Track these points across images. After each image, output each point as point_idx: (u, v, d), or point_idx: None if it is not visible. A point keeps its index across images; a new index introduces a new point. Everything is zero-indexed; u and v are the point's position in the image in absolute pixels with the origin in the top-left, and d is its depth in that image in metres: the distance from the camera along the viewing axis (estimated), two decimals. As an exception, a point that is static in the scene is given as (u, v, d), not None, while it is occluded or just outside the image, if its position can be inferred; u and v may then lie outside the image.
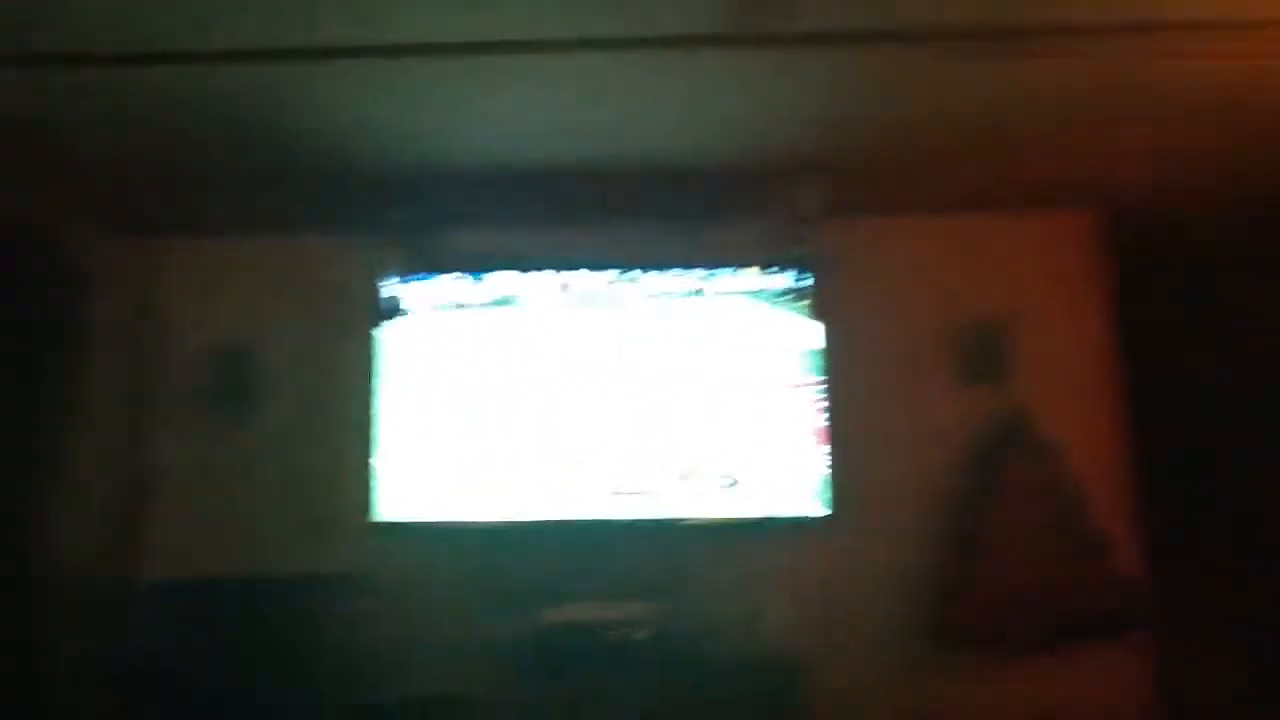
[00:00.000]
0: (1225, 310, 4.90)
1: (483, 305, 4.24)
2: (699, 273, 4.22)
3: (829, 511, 4.03)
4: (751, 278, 4.20)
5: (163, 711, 3.73)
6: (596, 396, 4.16)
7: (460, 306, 4.24)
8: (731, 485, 4.06)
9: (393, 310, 4.15)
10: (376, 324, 4.18)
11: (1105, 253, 4.48)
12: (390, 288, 4.16)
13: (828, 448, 4.06)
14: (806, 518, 4.05)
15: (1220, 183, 4.18)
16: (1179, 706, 4.13)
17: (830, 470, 4.05)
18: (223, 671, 3.80)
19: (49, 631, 3.78)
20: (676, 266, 4.22)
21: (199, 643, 3.90)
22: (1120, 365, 4.41)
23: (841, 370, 4.16)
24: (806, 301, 4.12)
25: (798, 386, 4.12)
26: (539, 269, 4.25)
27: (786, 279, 4.14)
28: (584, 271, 4.24)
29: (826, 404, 4.09)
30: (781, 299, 4.17)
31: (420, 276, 4.21)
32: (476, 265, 4.26)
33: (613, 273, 4.23)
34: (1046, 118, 3.65)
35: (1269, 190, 4.21)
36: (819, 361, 4.12)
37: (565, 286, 4.24)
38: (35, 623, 3.73)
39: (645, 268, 4.23)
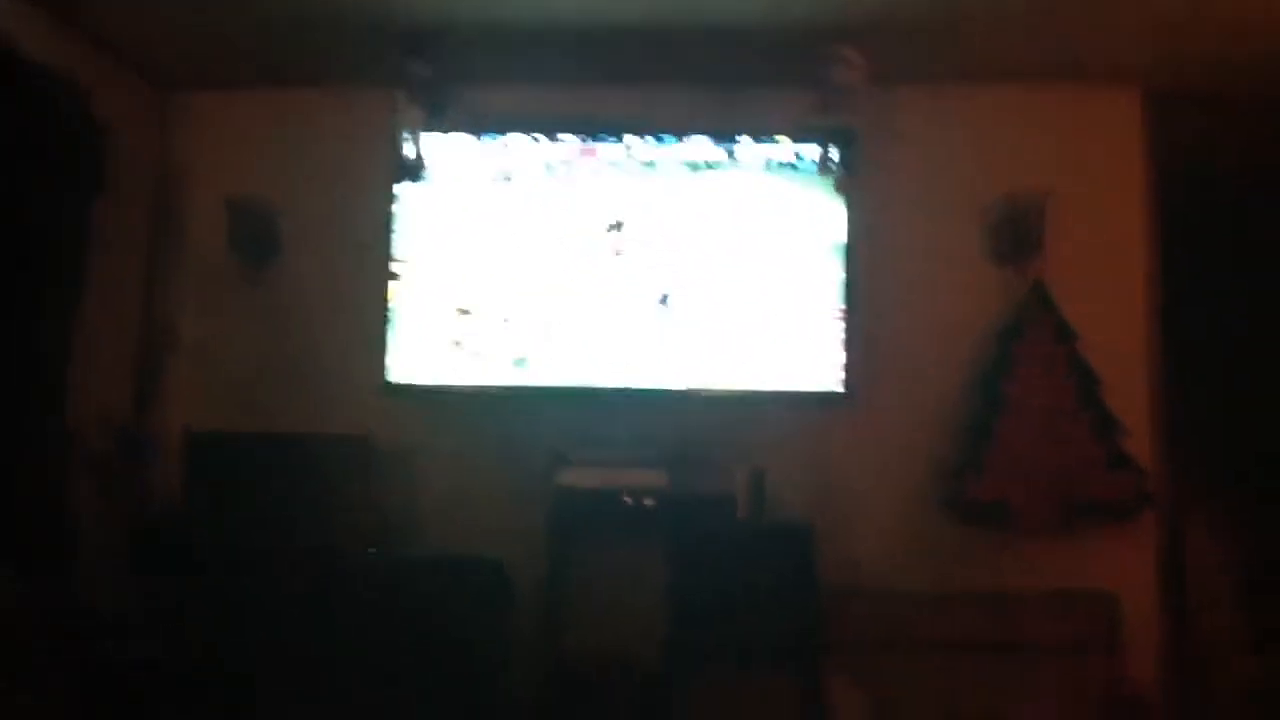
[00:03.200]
0: (1264, 204, 4.80)
1: (505, 168, 4.17)
2: (728, 141, 4.14)
3: (846, 386, 4.04)
4: (781, 147, 4.13)
5: (177, 560, 3.79)
6: (619, 262, 4.13)
7: (482, 168, 4.18)
8: (751, 356, 4.06)
9: (414, 169, 4.06)
10: (397, 182, 4.11)
11: (1146, 132, 4.36)
12: (412, 145, 4.05)
13: (848, 322, 4.05)
14: (824, 391, 4.06)
15: (1266, 61, 4.05)
16: (1183, 589, 4.20)
17: (849, 345, 4.04)
18: (237, 524, 3.88)
19: (69, 482, 3.81)
20: (705, 134, 4.14)
21: (214, 496, 3.98)
22: (1150, 250, 4.35)
23: (866, 244, 4.12)
24: (835, 174, 4.05)
25: (822, 260, 4.09)
26: (565, 132, 4.16)
27: (816, 150, 4.06)
28: (611, 137, 4.16)
29: (850, 279, 4.06)
30: (810, 171, 4.10)
31: (444, 135, 4.12)
32: (500, 126, 4.17)
33: (640, 138, 4.15)
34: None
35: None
36: (844, 235, 4.08)
37: (591, 152, 4.17)
38: (54, 474, 3.75)
39: (673, 134, 4.15)
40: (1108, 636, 4.00)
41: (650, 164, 4.16)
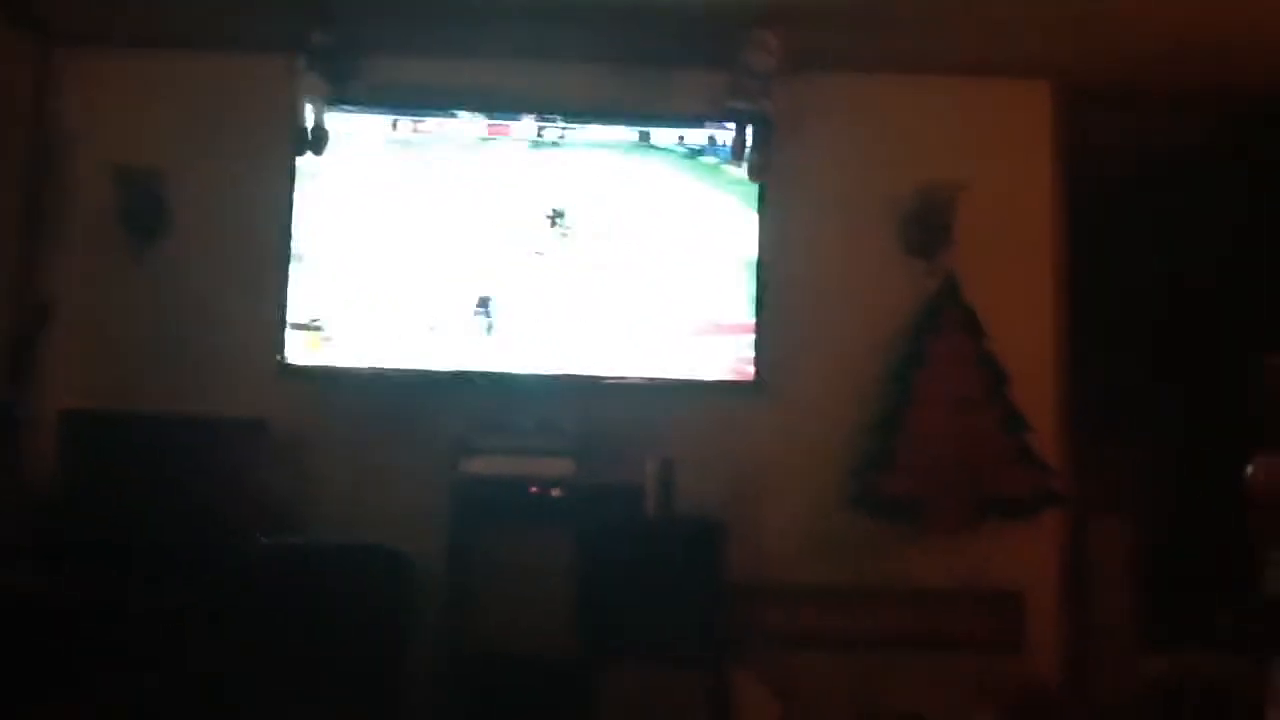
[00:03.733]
0: (1171, 196, 4.86)
1: (407, 141, 4.03)
2: (641, 123, 4.06)
3: (758, 376, 3.98)
4: (695, 131, 4.05)
5: (60, 541, 3.64)
6: (526, 246, 4.01)
7: (383, 141, 4.02)
8: (661, 345, 3.98)
9: (315, 141, 3.87)
10: (295, 154, 3.91)
11: (1056, 126, 4.39)
12: (311, 115, 3.85)
13: (760, 312, 3.99)
14: (736, 382, 3.99)
15: (1178, 60, 4.09)
16: (1086, 586, 4.23)
17: (761, 334, 3.98)
18: (123, 505, 3.72)
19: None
20: (618, 115, 4.06)
21: (98, 475, 3.80)
22: (1059, 242, 4.37)
23: (780, 232, 4.06)
24: (749, 160, 3.97)
25: (735, 248, 4.02)
26: (471, 110, 4.04)
27: (730, 135, 3.98)
28: (521, 115, 4.04)
29: (762, 266, 4.00)
30: (724, 156, 4.02)
31: (344, 106, 3.94)
32: (403, 100, 4.04)
33: (550, 118, 4.04)
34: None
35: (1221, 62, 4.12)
36: (757, 223, 4.02)
37: (501, 130, 4.04)
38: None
39: (585, 114, 4.05)
40: (1014, 634, 4.03)
41: (559, 144, 4.05)
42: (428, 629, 3.70)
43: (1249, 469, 3.36)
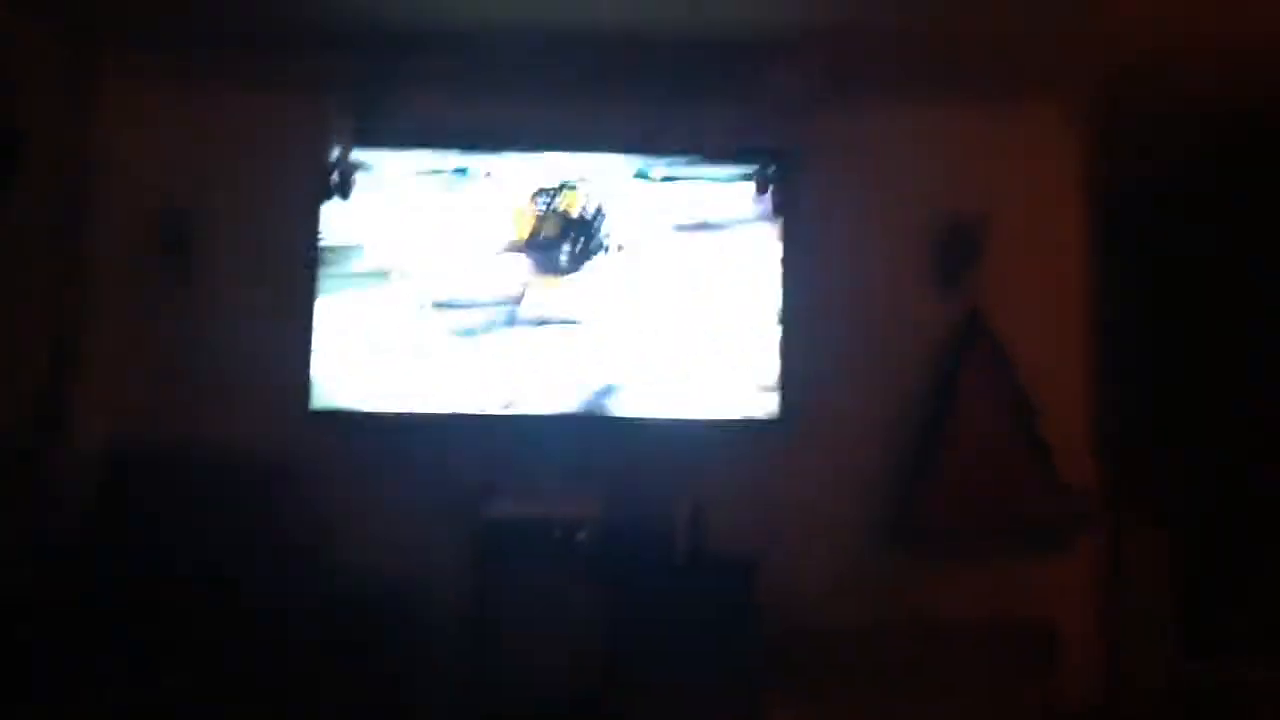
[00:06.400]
0: (1203, 225, 4.79)
1: (438, 182, 4.01)
2: (665, 157, 4.03)
3: (783, 413, 3.95)
4: (720, 166, 4.02)
5: (87, 580, 3.60)
6: (550, 286, 3.99)
7: (414, 180, 4.00)
8: (686, 383, 3.96)
9: (346, 180, 3.89)
10: (328, 194, 3.93)
11: (1086, 153, 4.33)
12: (343, 156, 3.88)
13: (785, 347, 3.97)
14: (761, 419, 3.97)
15: (1210, 82, 4.04)
16: (1122, 613, 4.19)
17: (786, 370, 3.96)
18: (153, 546, 3.68)
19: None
20: (642, 150, 4.03)
21: (129, 515, 3.78)
22: (1087, 271, 4.31)
23: (804, 266, 4.03)
24: (772, 193, 3.96)
25: (759, 282, 3.99)
26: (499, 148, 4.02)
27: (754, 168, 3.95)
28: (545, 153, 4.02)
29: (786, 302, 3.98)
30: (748, 189, 3.99)
31: (375, 146, 3.96)
32: (433, 139, 4.02)
33: (573, 154, 4.02)
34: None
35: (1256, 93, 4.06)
36: (781, 256, 3.99)
37: (523, 168, 4.02)
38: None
39: (608, 149, 4.04)
40: (1048, 663, 3.98)
41: (585, 180, 4.02)
42: (450, 671, 3.70)
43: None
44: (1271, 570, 4.36)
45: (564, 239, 4.00)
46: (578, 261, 4.00)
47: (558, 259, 4.00)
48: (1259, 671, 3.71)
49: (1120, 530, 4.30)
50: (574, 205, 4.01)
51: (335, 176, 3.88)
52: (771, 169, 3.93)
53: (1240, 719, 3.62)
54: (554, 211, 4.00)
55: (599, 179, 4.02)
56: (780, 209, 3.95)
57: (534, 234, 4.00)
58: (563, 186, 4.00)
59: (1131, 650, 4.21)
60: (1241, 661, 3.84)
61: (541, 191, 4.01)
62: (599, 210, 4.00)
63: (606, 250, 3.99)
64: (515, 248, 4.00)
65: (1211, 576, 4.60)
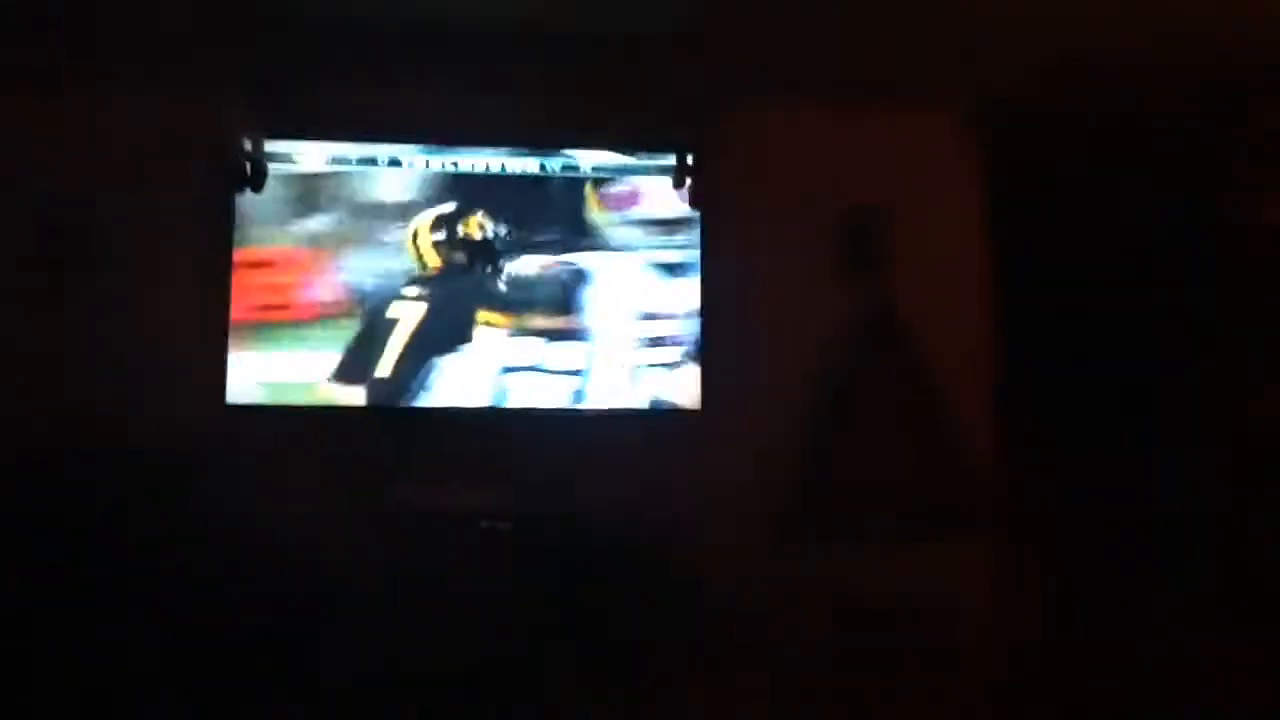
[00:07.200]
0: (1095, 211, 4.97)
1: (344, 172, 4.02)
2: (571, 152, 4.08)
3: (702, 402, 4.04)
4: (628, 159, 4.09)
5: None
6: (461, 278, 4.03)
7: (321, 171, 4.01)
8: (600, 376, 4.02)
9: (252, 175, 3.86)
10: (235, 187, 3.91)
11: (980, 147, 4.46)
12: (250, 147, 3.86)
13: (702, 338, 4.05)
14: (676, 409, 4.04)
15: (1097, 82, 4.19)
16: (1010, 602, 4.34)
17: (702, 362, 4.04)
18: (67, 544, 3.66)
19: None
20: (548, 144, 4.08)
21: (41, 516, 3.71)
22: (988, 261, 4.45)
23: (716, 259, 4.12)
24: (683, 187, 4.04)
25: (667, 275, 4.07)
26: (402, 140, 4.04)
27: (664, 162, 4.03)
28: (450, 148, 4.05)
29: (703, 293, 4.06)
30: (658, 184, 4.06)
31: (280, 138, 3.95)
32: (338, 130, 4.03)
33: (481, 148, 4.06)
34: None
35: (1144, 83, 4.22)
36: (693, 249, 4.08)
37: (429, 161, 4.05)
38: None
39: (514, 143, 4.07)
40: (949, 646, 4.12)
41: (493, 172, 4.05)
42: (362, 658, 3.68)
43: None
44: (1149, 558, 4.55)
45: (474, 264, 4.04)
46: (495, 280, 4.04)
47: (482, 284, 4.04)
48: (1128, 649, 3.87)
49: (1017, 518, 4.43)
50: (474, 230, 4.03)
51: (247, 168, 3.84)
52: (688, 162, 3.99)
53: (1109, 692, 3.78)
54: (459, 239, 4.03)
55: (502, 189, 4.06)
56: (696, 203, 4.02)
57: (445, 264, 4.03)
58: (460, 213, 4.02)
59: (1019, 629, 4.36)
60: (1111, 643, 3.99)
61: (441, 220, 4.03)
62: (502, 231, 4.05)
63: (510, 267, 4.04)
64: (426, 279, 4.02)
65: (1091, 565, 4.78)
